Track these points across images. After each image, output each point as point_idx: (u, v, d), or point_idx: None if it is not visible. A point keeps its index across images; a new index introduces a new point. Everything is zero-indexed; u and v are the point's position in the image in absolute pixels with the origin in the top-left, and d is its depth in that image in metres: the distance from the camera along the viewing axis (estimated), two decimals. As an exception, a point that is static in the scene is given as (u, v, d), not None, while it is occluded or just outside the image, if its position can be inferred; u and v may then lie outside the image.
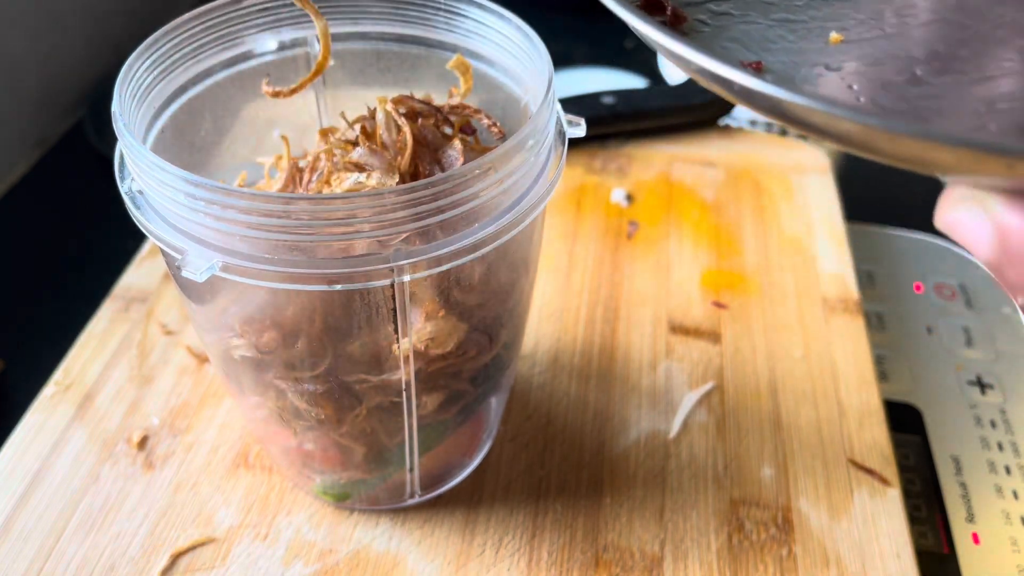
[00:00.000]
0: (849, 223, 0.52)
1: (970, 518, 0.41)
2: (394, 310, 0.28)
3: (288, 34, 0.34)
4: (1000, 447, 0.43)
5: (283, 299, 0.28)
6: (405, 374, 0.30)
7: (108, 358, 0.42)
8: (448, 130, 0.33)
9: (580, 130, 0.31)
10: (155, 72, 0.31)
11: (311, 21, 0.33)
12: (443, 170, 0.31)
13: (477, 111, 0.33)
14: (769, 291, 0.47)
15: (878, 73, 0.26)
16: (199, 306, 0.31)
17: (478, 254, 0.27)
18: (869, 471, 0.38)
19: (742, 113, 0.61)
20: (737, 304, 0.46)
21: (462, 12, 0.33)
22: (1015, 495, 0.41)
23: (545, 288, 0.47)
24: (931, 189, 0.70)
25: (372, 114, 0.32)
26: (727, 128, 0.58)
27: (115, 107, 0.28)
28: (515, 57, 0.32)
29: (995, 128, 0.23)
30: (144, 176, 0.26)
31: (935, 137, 0.19)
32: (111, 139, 0.28)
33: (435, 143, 0.32)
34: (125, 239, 0.53)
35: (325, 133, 0.32)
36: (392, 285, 0.27)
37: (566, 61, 0.78)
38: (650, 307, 0.46)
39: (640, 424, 0.40)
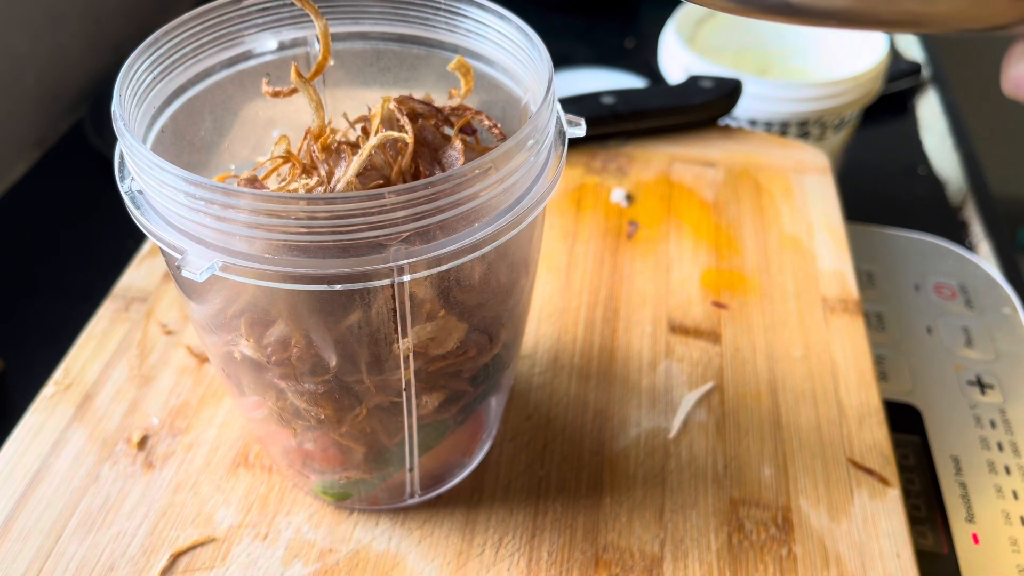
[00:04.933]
0: (849, 223, 0.52)
1: (970, 518, 0.41)
2: (394, 310, 0.28)
3: (288, 34, 0.34)
4: (1000, 447, 0.44)
5: (282, 299, 0.28)
6: (405, 374, 0.30)
7: (108, 358, 0.42)
8: (448, 131, 0.33)
9: (580, 130, 0.31)
10: (155, 72, 0.31)
11: (311, 21, 0.33)
12: (443, 170, 0.31)
13: (478, 113, 0.33)
14: (769, 291, 0.47)
15: None
16: (199, 306, 0.31)
17: (478, 254, 0.27)
18: (869, 471, 0.38)
19: (742, 113, 0.61)
20: (737, 304, 0.46)
21: (462, 12, 0.33)
22: (1015, 495, 0.41)
23: (545, 288, 0.47)
24: (931, 190, 0.71)
25: (374, 115, 0.32)
26: (727, 128, 0.58)
27: (115, 107, 0.28)
28: (515, 57, 0.32)
29: None
30: (144, 176, 0.26)
31: None
32: (111, 139, 0.28)
33: (435, 143, 0.32)
34: (125, 239, 0.53)
35: (317, 135, 0.32)
36: (392, 285, 0.27)
37: (566, 61, 0.78)
38: (650, 307, 0.46)
39: (640, 424, 0.40)
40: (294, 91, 0.32)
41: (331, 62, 0.32)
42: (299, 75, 0.30)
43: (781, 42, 0.67)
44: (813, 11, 0.22)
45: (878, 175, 0.68)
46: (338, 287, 0.26)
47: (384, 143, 0.31)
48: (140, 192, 0.28)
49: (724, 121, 0.59)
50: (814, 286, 0.47)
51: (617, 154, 0.56)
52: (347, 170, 0.30)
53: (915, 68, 0.77)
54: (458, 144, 0.31)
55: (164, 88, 0.31)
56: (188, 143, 0.33)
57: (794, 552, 0.35)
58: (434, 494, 0.37)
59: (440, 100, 0.34)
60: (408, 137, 0.30)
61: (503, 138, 0.32)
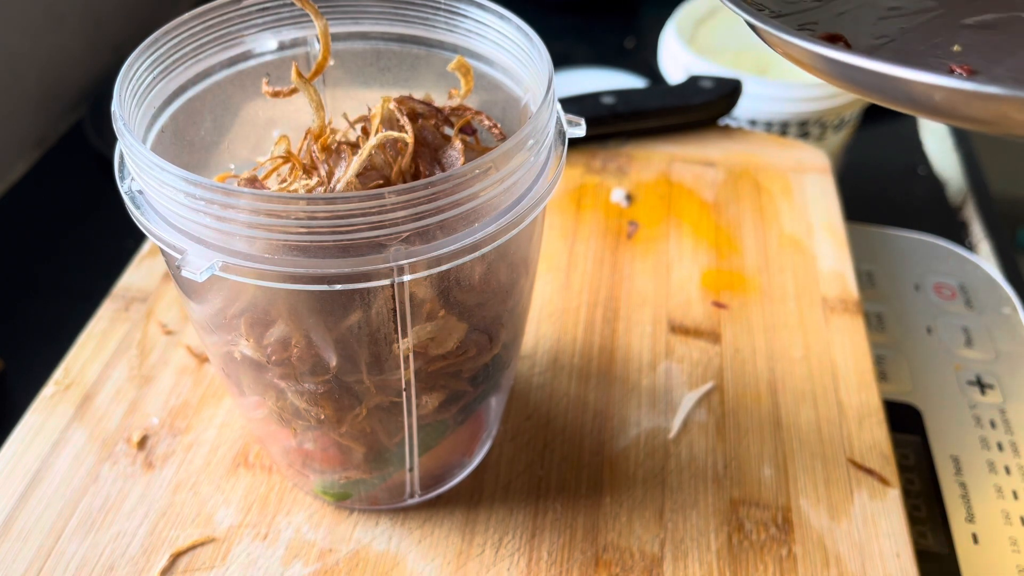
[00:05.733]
0: (849, 223, 0.52)
1: (970, 518, 0.41)
2: (394, 310, 0.28)
3: (288, 34, 0.34)
4: (1000, 447, 0.44)
5: (283, 299, 0.28)
6: (405, 374, 0.30)
7: (108, 358, 0.42)
8: (448, 131, 0.33)
9: (580, 130, 0.31)
10: (155, 72, 0.31)
11: (311, 21, 0.33)
12: (443, 170, 0.31)
13: (478, 113, 0.33)
14: (769, 291, 0.47)
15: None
16: (199, 306, 0.31)
17: (478, 254, 0.27)
18: (869, 471, 0.38)
19: (742, 113, 0.61)
20: (737, 304, 0.46)
21: (462, 12, 0.33)
22: (1015, 495, 0.41)
23: (545, 288, 0.47)
24: (931, 190, 0.71)
25: (374, 115, 0.32)
26: (727, 128, 0.58)
27: (115, 107, 0.28)
28: (515, 57, 0.32)
29: None
30: (144, 176, 0.26)
31: None
32: (111, 139, 0.28)
33: (435, 143, 0.32)
34: (125, 239, 0.53)
35: (317, 135, 0.32)
36: (392, 285, 0.27)
37: (566, 61, 0.78)
38: (650, 307, 0.46)
39: (640, 424, 0.40)
40: (294, 91, 0.32)
41: (331, 62, 0.32)
42: (299, 75, 0.30)
43: (781, 42, 0.67)
44: (945, 113, 0.24)
45: (878, 175, 0.68)
46: (338, 287, 0.26)
47: (384, 143, 0.31)
48: (140, 192, 0.28)
49: (724, 121, 0.59)
50: (814, 286, 0.47)
51: (617, 154, 0.56)
52: (347, 170, 0.30)
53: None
54: (458, 144, 0.31)
55: (164, 88, 0.31)
56: (188, 143, 0.33)
57: (794, 552, 0.35)
58: (434, 494, 0.37)
59: (440, 100, 0.34)
60: (408, 137, 0.30)
61: (503, 138, 0.32)
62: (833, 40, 0.29)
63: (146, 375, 0.42)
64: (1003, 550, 0.39)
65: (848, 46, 0.29)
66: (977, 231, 0.61)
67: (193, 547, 0.35)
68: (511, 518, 0.36)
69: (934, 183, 0.67)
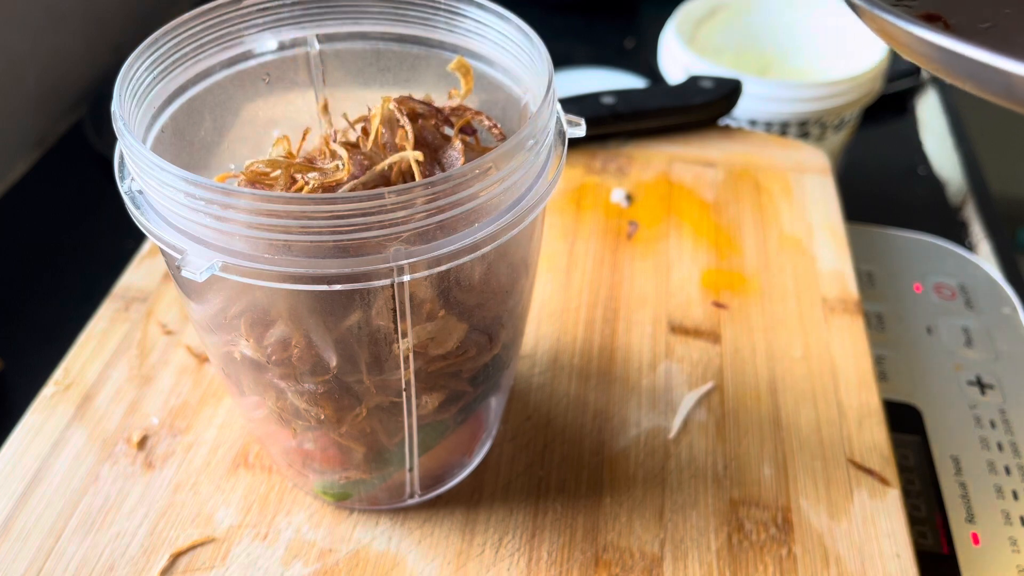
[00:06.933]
0: (849, 223, 0.52)
1: (970, 518, 0.41)
2: (394, 310, 0.28)
3: (288, 34, 0.34)
4: (1000, 447, 0.43)
5: (283, 299, 0.28)
6: (405, 374, 0.30)
7: (108, 358, 0.42)
8: (448, 131, 0.33)
9: (580, 130, 0.31)
10: (155, 72, 0.31)
11: (311, 21, 0.33)
12: (443, 170, 0.31)
13: (478, 113, 0.33)
14: (769, 291, 0.47)
15: None
16: (199, 306, 0.31)
17: (478, 254, 0.27)
18: (869, 471, 0.38)
19: (742, 113, 0.61)
20: (737, 304, 0.46)
21: (462, 12, 0.33)
22: (1015, 495, 0.41)
23: (545, 288, 0.47)
24: (931, 190, 0.70)
25: (374, 115, 0.32)
26: (727, 128, 0.58)
27: (115, 107, 0.28)
28: (515, 57, 0.32)
29: None
30: (144, 176, 0.26)
31: None
32: (111, 139, 0.28)
33: (435, 143, 0.32)
34: (125, 239, 0.53)
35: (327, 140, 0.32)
36: (392, 285, 0.27)
37: (566, 61, 0.78)
38: (650, 307, 0.46)
39: (640, 424, 0.40)
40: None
41: (330, 61, 0.32)
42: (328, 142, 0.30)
43: (781, 42, 0.67)
44: None
45: (878, 175, 0.68)
46: (338, 287, 0.26)
47: (384, 143, 0.31)
48: (140, 192, 0.28)
49: (724, 121, 0.59)
50: (814, 286, 0.47)
51: (617, 154, 0.56)
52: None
53: (915, 68, 0.77)
54: (458, 144, 0.31)
55: (164, 88, 0.31)
56: (188, 143, 0.33)
57: (794, 552, 0.35)
58: (434, 494, 0.37)
59: (440, 100, 0.34)
60: (417, 154, 0.30)
61: (503, 138, 0.32)
62: (931, 20, 0.28)
63: (146, 375, 0.42)
64: (1003, 550, 0.39)
65: (948, 27, 0.27)
66: (977, 231, 0.61)
67: (193, 547, 0.35)
68: (511, 518, 0.36)
69: (934, 183, 0.67)
